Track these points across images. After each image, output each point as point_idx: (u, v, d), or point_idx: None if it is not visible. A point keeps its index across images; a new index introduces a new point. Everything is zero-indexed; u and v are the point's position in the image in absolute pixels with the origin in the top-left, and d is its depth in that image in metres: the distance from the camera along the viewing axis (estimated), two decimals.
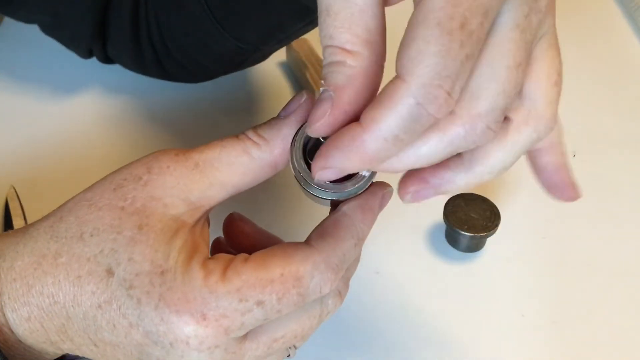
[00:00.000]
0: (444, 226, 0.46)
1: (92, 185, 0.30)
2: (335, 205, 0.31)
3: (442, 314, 0.44)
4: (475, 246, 0.46)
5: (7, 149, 0.51)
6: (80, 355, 0.30)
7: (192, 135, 0.53)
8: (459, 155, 0.27)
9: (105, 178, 0.30)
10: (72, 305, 0.28)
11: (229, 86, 0.56)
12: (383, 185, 0.31)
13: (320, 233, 0.30)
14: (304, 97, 0.30)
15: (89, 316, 0.28)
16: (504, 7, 0.25)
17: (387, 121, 0.24)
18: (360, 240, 0.30)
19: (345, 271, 0.31)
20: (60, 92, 0.55)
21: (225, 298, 0.27)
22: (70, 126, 0.53)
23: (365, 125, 0.24)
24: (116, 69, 0.56)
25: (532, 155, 0.31)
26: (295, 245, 0.29)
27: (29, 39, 0.59)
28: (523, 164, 0.51)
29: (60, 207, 0.30)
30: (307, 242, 0.29)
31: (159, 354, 0.28)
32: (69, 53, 0.54)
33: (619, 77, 0.60)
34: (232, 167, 0.30)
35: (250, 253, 0.29)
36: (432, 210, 0.47)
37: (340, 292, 0.31)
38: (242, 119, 0.54)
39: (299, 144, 0.29)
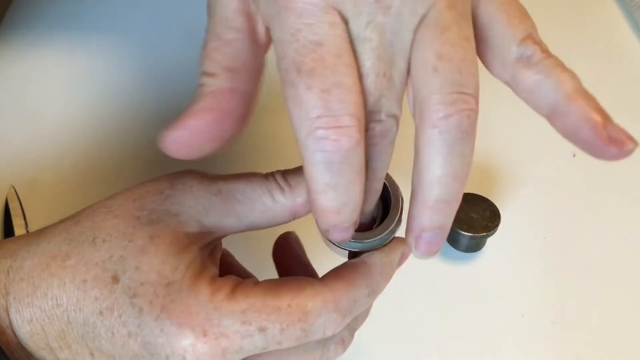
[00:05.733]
0: None
1: (114, 194, 0.31)
2: (353, 256, 0.31)
3: (442, 314, 0.44)
4: (475, 246, 0.46)
5: (7, 149, 0.51)
6: None
7: None
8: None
9: (128, 189, 0.30)
10: (74, 310, 0.28)
11: None
12: (404, 241, 0.31)
13: (336, 275, 0.29)
14: None
15: (89, 322, 0.28)
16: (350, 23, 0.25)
17: None
18: (374, 293, 0.30)
19: (353, 320, 0.30)
20: (61, 92, 0.55)
21: (229, 317, 0.27)
22: (70, 126, 0.53)
23: None
24: (118, 69, 0.56)
25: (551, 123, 0.28)
26: (309, 280, 0.29)
27: (29, 38, 0.59)
28: (523, 163, 0.51)
29: (79, 211, 0.31)
30: (322, 280, 0.29)
31: None
32: (70, 53, 0.54)
33: (618, 77, 0.60)
34: (253, 204, 0.30)
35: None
36: None
37: (344, 340, 0.31)
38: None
39: None
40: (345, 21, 0.25)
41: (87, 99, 0.55)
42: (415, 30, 0.26)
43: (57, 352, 0.29)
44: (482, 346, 0.42)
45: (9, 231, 0.45)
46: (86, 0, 0.63)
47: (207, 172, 0.31)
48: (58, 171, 0.50)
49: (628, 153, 0.26)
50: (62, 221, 0.31)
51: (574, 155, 0.51)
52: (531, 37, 0.28)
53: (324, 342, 0.30)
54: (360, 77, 0.25)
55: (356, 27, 0.25)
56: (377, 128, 0.26)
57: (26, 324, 0.28)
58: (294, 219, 0.31)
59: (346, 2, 0.25)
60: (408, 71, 0.26)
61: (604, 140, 0.26)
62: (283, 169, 0.31)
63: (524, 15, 0.28)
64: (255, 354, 0.28)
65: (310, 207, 0.27)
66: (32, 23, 0.60)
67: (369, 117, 0.26)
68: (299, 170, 0.30)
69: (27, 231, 0.45)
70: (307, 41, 0.25)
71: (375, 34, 0.25)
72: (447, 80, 0.25)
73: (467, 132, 0.26)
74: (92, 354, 0.29)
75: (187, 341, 0.27)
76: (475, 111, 0.26)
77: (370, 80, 0.25)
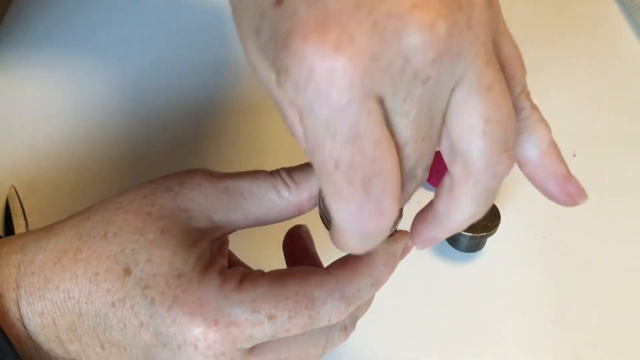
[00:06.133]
0: None
1: (123, 191, 0.31)
2: None
3: (442, 314, 0.44)
4: (475, 246, 0.46)
5: (7, 149, 0.51)
6: None
7: (196, 136, 0.53)
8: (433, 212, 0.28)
9: (138, 186, 0.31)
10: (86, 302, 0.29)
11: (235, 85, 0.56)
12: (407, 234, 0.32)
13: (341, 264, 0.30)
14: None
15: (101, 314, 0.28)
16: (386, 99, 0.23)
17: None
18: (377, 283, 0.31)
19: (356, 309, 0.31)
20: (61, 92, 0.55)
21: (239, 307, 0.28)
22: (70, 126, 0.53)
23: None
24: (118, 69, 0.56)
25: (521, 169, 0.30)
26: (314, 269, 0.30)
27: (29, 39, 0.59)
28: None
29: (88, 207, 0.31)
30: (327, 269, 0.30)
31: (165, 356, 0.28)
32: (70, 53, 0.54)
33: (618, 76, 0.60)
34: (259, 200, 0.31)
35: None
36: None
37: (347, 328, 0.32)
38: (258, 117, 0.54)
39: None
40: (381, 100, 0.23)
41: (87, 99, 0.55)
42: (453, 90, 0.24)
43: (66, 345, 0.30)
44: (482, 346, 0.42)
45: (9, 231, 0.46)
46: (86, 1, 0.63)
47: (213, 170, 0.32)
48: (58, 171, 0.50)
49: (578, 204, 0.30)
50: (71, 217, 0.31)
51: (574, 156, 0.51)
52: (526, 91, 0.28)
53: (328, 329, 0.31)
54: (398, 146, 0.24)
55: (393, 103, 0.23)
56: (413, 186, 0.26)
57: (37, 317, 0.29)
58: (299, 215, 0.31)
59: (385, 84, 0.23)
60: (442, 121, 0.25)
61: (565, 194, 0.29)
62: (284, 165, 0.32)
63: (524, 69, 0.28)
64: (264, 341, 0.29)
65: (333, 238, 0.27)
66: (32, 23, 0.61)
67: (406, 178, 0.25)
68: (303, 167, 0.31)
69: (27, 230, 0.45)
70: (344, 135, 0.23)
71: (414, 106, 0.24)
72: (495, 142, 0.25)
73: (503, 179, 0.26)
74: (102, 346, 0.29)
75: (198, 330, 0.27)
76: (514, 162, 0.27)
77: (410, 148, 0.25)
